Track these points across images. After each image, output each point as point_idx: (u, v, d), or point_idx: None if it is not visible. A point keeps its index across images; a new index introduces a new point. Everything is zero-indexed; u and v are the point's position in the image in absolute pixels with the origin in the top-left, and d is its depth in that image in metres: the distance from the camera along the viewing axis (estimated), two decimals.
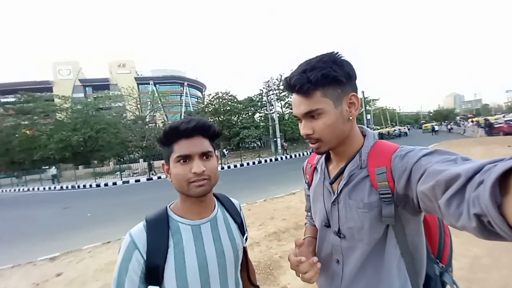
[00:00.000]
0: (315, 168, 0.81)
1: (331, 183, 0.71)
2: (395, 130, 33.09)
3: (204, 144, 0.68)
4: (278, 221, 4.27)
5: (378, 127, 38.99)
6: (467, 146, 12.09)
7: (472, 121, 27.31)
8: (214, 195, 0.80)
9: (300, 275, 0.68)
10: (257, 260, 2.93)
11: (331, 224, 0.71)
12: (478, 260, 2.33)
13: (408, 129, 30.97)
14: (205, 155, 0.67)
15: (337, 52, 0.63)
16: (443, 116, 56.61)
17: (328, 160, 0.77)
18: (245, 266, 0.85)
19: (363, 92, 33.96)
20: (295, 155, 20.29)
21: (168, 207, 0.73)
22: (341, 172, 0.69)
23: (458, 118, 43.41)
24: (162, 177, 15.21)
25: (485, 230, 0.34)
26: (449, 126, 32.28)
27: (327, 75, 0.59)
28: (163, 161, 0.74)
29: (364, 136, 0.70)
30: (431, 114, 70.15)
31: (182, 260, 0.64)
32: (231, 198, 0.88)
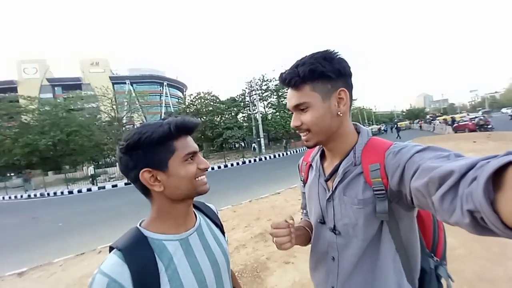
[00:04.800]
0: (310, 165, 0.82)
1: (326, 180, 0.72)
2: (372, 129, 34.86)
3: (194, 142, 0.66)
4: (263, 222, 4.24)
5: None
6: (437, 142, 13.02)
7: (442, 120, 29.37)
8: None
9: (275, 239, 0.70)
10: (244, 263, 2.88)
11: (326, 221, 0.72)
12: (453, 251, 2.45)
13: (385, 129, 32.43)
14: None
15: (333, 50, 0.64)
16: (415, 115, 60.56)
17: (323, 157, 0.78)
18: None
19: None
20: (279, 155, 20.48)
21: (139, 226, 0.61)
22: (335, 169, 0.69)
23: (428, 116, 46.55)
24: None
25: (479, 226, 0.35)
26: (419, 124, 34.73)
27: (314, 70, 0.61)
28: (142, 170, 0.57)
29: (358, 133, 0.71)
30: (404, 113, 74.69)
31: (179, 281, 0.57)
32: (207, 203, 0.85)
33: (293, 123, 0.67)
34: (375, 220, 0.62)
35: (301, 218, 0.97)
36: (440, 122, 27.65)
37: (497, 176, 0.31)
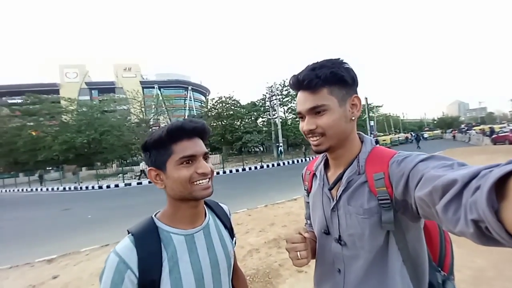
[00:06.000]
0: (314, 174, 0.80)
1: (330, 189, 0.71)
2: (399, 137, 32.66)
3: (203, 145, 0.67)
4: (278, 228, 4.20)
5: (382, 134, 38.75)
6: (471, 154, 11.93)
7: (478, 130, 26.99)
8: (204, 201, 0.77)
9: (291, 255, 0.69)
10: (256, 268, 2.87)
11: (331, 231, 0.70)
12: (482, 272, 2.25)
13: (416, 137, 26.49)
14: (205, 156, 0.66)
15: (343, 59, 0.66)
16: (447, 123, 56.15)
17: (327, 166, 0.77)
18: (234, 271, 0.82)
19: (366, 98, 33.85)
20: (297, 161, 20.19)
21: (153, 217, 0.67)
22: (339, 178, 0.68)
23: (463, 126, 42.98)
24: None
25: (483, 236, 0.34)
26: (452, 134, 31.92)
27: (335, 73, 0.62)
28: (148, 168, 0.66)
29: (362, 142, 0.71)
30: (435, 122, 69.63)
31: (178, 274, 0.60)
32: (220, 203, 0.85)
33: (307, 126, 0.66)
34: (381, 230, 0.60)
35: (304, 227, 0.97)
36: (476, 132, 25.44)
37: (500, 185, 0.31)
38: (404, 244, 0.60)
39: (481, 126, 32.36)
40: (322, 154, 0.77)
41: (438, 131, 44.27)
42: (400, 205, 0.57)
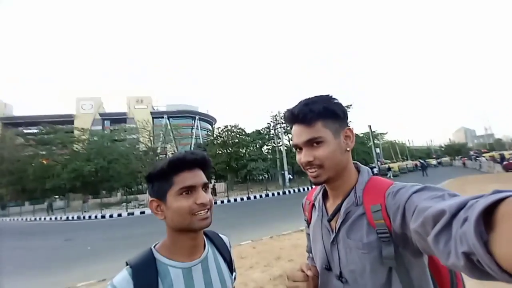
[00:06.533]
0: (313, 205, 0.80)
1: (329, 220, 0.70)
2: (407, 165, 31.84)
3: (203, 176, 0.68)
4: (284, 262, 3.97)
5: (389, 161, 38.03)
6: (486, 182, 11.46)
7: (488, 157, 26.34)
8: (203, 232, 0.77)
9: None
10: None
11: (332, 266, 0.67)
12: None
13: (422, 165, 24.81)
14: (205, 187, 0.68)
15: (332, 95, 0.71)
16: (455, 150, 55.10)
17: (325, 196, 0.76)
18: None
19: (369, 126, 34.06)
20: (303, 189, 19.74)
21: (152, 248, 0.68)
22: (338, 209, 0.68)
23: (471, 152, 42.01)
24: None
25: (477, 269, 0.33)
26: (462, 161, 31.09)
27: (327, 108, 0.66)
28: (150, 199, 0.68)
29: (358, 172, 0.71)
30: (442, 149, 68.44)
31: None
32: (221, 235, 0.84)
33: (305, 158, 0.66)
34: (383, 267, 0.58)
35: (307, 263, 0.94)
36: (486, 159, 24.77)
37: (489, 216, 0.31)
38: (408, 282, 0.57)
39: (491, 153, 31.55)
40: (321, 185, 0.77)
41: (447, 158, 43.25)
42: (400, 239, 0.56)
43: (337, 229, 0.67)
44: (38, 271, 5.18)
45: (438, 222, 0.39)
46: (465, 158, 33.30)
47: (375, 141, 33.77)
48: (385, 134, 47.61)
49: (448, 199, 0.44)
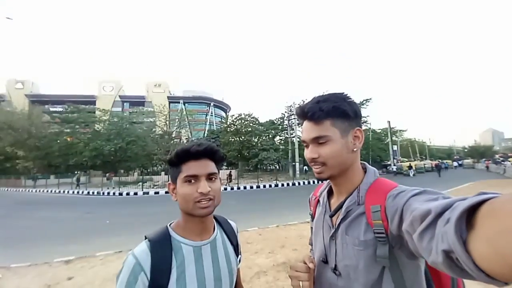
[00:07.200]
0: (319, 200, 0.82)
1: (331, 216, 0.72)
2: (425, 164, 30.46)
3: (210, 166, 0.72)
4: (288, 251, 4.07)
5: (406, 159, 36.61)
6: (505, 187, 10.82)
7: None
8: (214, 216, 0.83)
9: (292, 283, 0.69)
10: None
11: (328, 260, 0.71)
12: None
13: (437, 166, 23.62)
14: (210, 177, 0.71)
15: (347, 94, 0.71)
16: (480, 153, 52.02)
17: (330, 193, 0.78)
18: None
19: (389, 122, 32.76)
20: (313, 181, 19.64)
21: (168, 226, 0.74)
22: (340, 206, 0.70)
23: (497, 156, 39.41)
24: None
25: (455, 266, 0.35)
26: (485, 164, 29.30)
27: (337, 107, 0.66)
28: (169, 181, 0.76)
29: (365, 172, 0.72)
30: (466, 150, 64.75)
31: (184, 282, 0.65)
32: (229, 220, 0.90)
33: (310, 154, 0.69)
34: (376, 265, 0.60)
35: (310, 255, 0.97)
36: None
37: (471, 216, 0.32)
38: (401, 282, 0.59)
39: None
40: (327, 181, 0.79)
41: (469, 160, 40.97)
42: (396, 240, 0.57)
43: (337, 225, 0.69)
44: (61, 239, 5.65)
45: (424, 221, 0.41)
46: (489, 161, 31.37)
47: (393, 138, 32.50)
48: (405, 131, 45.39)
49: (440, 200, 0.44)
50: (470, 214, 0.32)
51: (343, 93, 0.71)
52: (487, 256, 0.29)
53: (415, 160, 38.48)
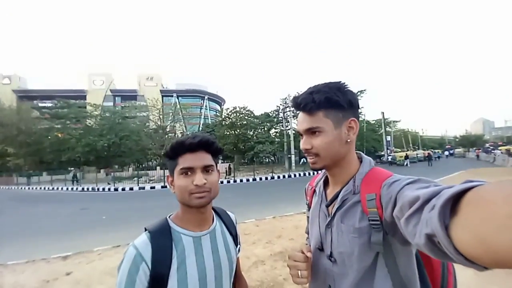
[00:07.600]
0: (315, 190, 0.84)
1: (327, 206, 0.73)
2: (417, 154, 31.12)
3: (206, 159, 0.72)
4: (285, 241, 4.16)
5: (399, 150, 37.27)
6: (494, 175, 11.18)
7: (504, 150, 25.37)
8: (213, 208, 0.83)
9: (291, 272, 0.70)
10: (260, 280, 2.86)
11: (324, 247, 0.72)
12: None
13: (428, 156, 24.36)
14: (207, 169, 0.72)
15: (344, 82, 0.69)
16: (470, 142, 53.10)
17: (326, 183, 0.80)
18: (238, 278, 0.87)
19: (382, 113, 33.04)
20: (309, 173, 19.88)
21: (168, 217, 0.75)
22: (336, 196, 0.71)
23: (487, 145, 40.46)
24: None
25: (438, 250, 0.37)
26: (476, 153, 30.09)
27: (330, 98, 0.65)
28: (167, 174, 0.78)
29: (361, 162, 0.73)
30: (457, 140, 66.18)
31: (184, 271, 0.66)
32: (228, 212, 0.91)
33: (303, 145, 0.70)
34: (370, 251, 0.62)
35: (306, 244, 0.98)
36: (502, 153, 23.91)
37: (456, 204, 0.34)
38: (394, 268, 0.61)
39: (508, 146, 30.32)
40: (323, 170, 0.79)
41: (460, 150, 41.95)
42: (390, 227, 0.59)
43: (332, 214, 0.70)
44: (57, 235, 5.61)
45: (412, 206, 0.43)
46: (479, 150, 32.22)
47: (386, 129, 32.91)
48: (398, 122, 46.00)
49: (430, 188, 0.45)
50: (455, 202, 0.34)
51: (340, 82, 0.69)
52: (467, 241, 0.31)
53: (408, 150, 39.27)
